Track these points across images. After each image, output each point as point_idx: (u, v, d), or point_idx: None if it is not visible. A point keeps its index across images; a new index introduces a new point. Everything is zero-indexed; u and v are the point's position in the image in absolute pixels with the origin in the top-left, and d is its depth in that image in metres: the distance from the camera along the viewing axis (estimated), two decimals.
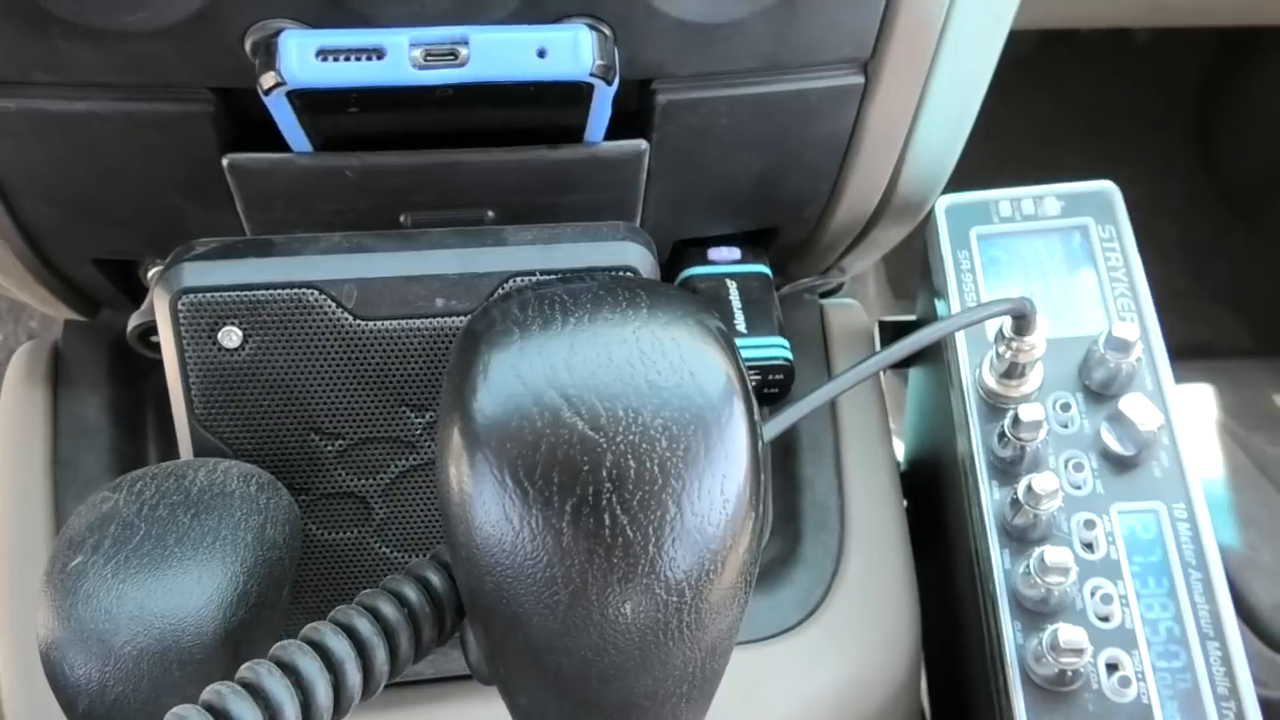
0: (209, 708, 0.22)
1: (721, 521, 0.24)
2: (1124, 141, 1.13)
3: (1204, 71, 1.14)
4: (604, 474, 0.23)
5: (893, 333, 0.56)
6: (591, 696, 0.24)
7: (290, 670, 0.23)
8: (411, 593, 0.27)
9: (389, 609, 0.26)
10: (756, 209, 0.45)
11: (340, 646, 0.24)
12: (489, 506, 0.23)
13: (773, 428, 0.31)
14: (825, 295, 0.58)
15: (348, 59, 0.31)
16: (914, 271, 1.06)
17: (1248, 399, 0.95)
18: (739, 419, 0.24)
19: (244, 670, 0.23)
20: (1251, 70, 1.09)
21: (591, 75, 0.32)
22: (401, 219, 0.39)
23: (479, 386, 0.24)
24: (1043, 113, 1.13)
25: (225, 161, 0.36)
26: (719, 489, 0.24)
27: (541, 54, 0.32)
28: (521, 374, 0.24)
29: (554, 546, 0.23)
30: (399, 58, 0.31)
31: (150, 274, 0.46)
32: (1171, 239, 1.11)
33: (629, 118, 0.39)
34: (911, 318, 0.57)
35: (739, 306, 0.46)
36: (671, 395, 0.24)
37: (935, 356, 0.49)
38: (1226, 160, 1.11)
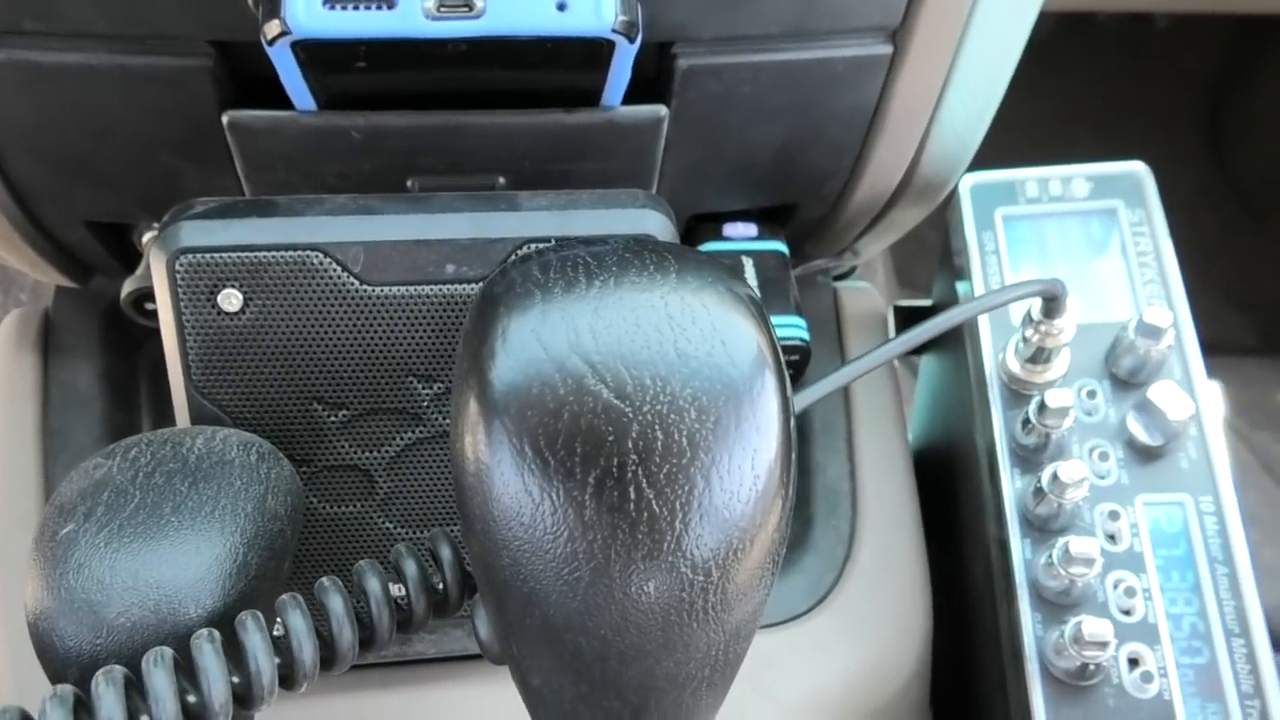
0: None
1: (751, 498, 0.22)
2: (1135, 133, 1.12)
3: (1219, 65, 1.12)
4: (629, 445, 0.21)
5: (907, 317, 0.55)
6: (610, 678, 0.23)
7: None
8: (410, 567, 0.26)
9: (375, 585, 0.25)
10: (776, 183, 0.43)
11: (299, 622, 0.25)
12: (507, 478, 0.22)
13: (798, 402, 0.30)
14: (838, 278, 0.57)
15: (356, 7, 0.30)
16: (920, 261, 1.04)
17: (1253, 397, 0.94)
18: (771, 392, 0.23)
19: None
20: (1267, 65, 1.07)
21: (614, 31, 0.30)
22: (408, 184, 0.37)
23: (498, 351, 0.23)
24: (1053, 101, 1.12)
25: (225, 119, 0.34)
26: (749, 464, 0.22)
27: (561, 7, 0.30)
28: (543, 339, 0.22)
29: (575, 520, 0.21)
30: (411, 8, 0.30)
31: (145, 239, 0.44)
32: (1179, 234, 1.10)
33: (647, 84, 0.37)
34: (926, 303, 0.56)
35: (755, 285, 0.45)
36: (702, 365, 0.22)
37: (952, 341, 0.48)
38: (1238, 156, 1.10)
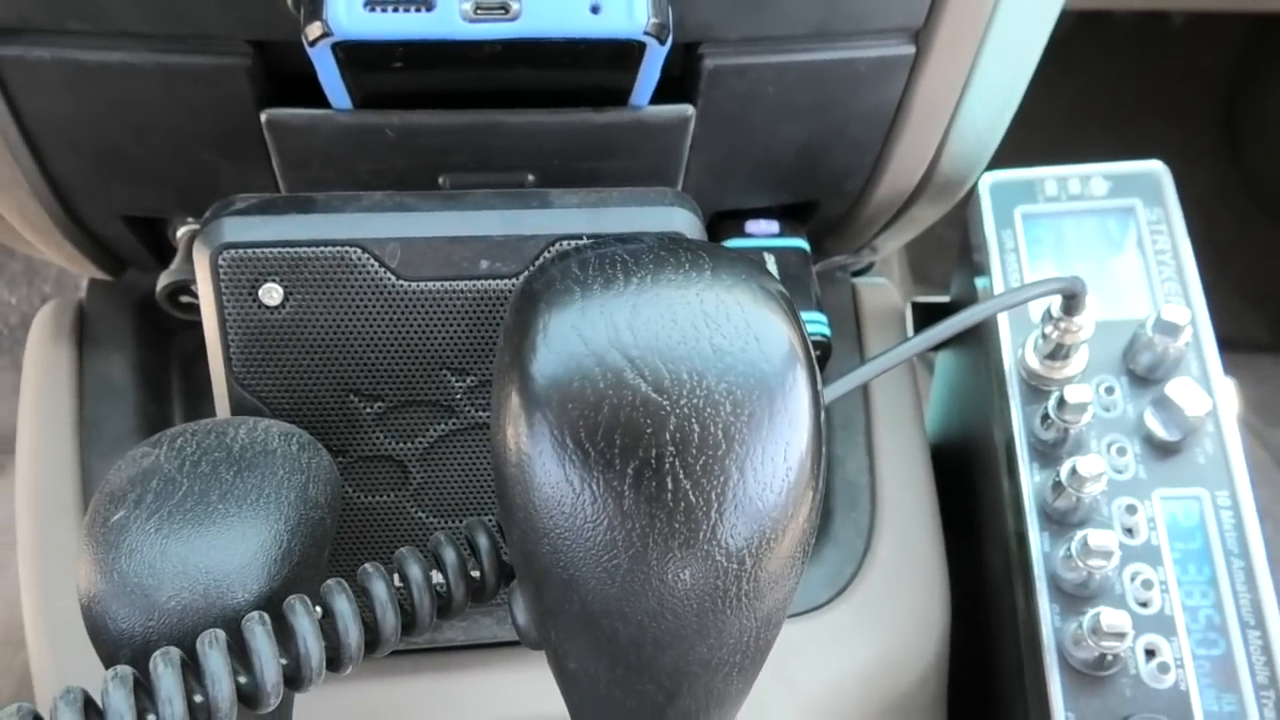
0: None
1: (784, 489, 0.23)
2: (1150, 130, 1.12)
3: (1235, 62, 1.12)
4: (667, 437, 0.22)
5: (925, 314, 0.56)
6: (645, 663, 0.24)
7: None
8: (450, 554, 0.27)
9: (417, 571, 0.26)
10: (798, 181, 0.44)
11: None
12: (549, 468, 0.23)
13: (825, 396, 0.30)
14: (856, 274, 0.58)
15: (396, 10, 0.30)
16: (935, 257, 1.04)
17: (1267, 394, 0.94)
18: (803, 386, 0.24)
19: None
20: None
21: (645, 34, 0.31)
22: (440, 180, 0.38)
23: (539, 346, 0.23)
24: (1069, 98, 1.12)
25: (264, 117, 0.35)
26: (782, 456, 0.23)
27: (595, 10, 0.31)
28: (583, 334, 0.23)
29: (615, 510, 0.22)
30: (449, 10, 0.30)
31: (180, 233, 0.45)
32: (1195, 231, 1.10)
33: (673, 83, 0.38)
34: (943, 299, 0.57)
35: None
36: (736, 360, 0.23)
37: (971, 337, 0.49)
38: (1254, 152, 1.10)
